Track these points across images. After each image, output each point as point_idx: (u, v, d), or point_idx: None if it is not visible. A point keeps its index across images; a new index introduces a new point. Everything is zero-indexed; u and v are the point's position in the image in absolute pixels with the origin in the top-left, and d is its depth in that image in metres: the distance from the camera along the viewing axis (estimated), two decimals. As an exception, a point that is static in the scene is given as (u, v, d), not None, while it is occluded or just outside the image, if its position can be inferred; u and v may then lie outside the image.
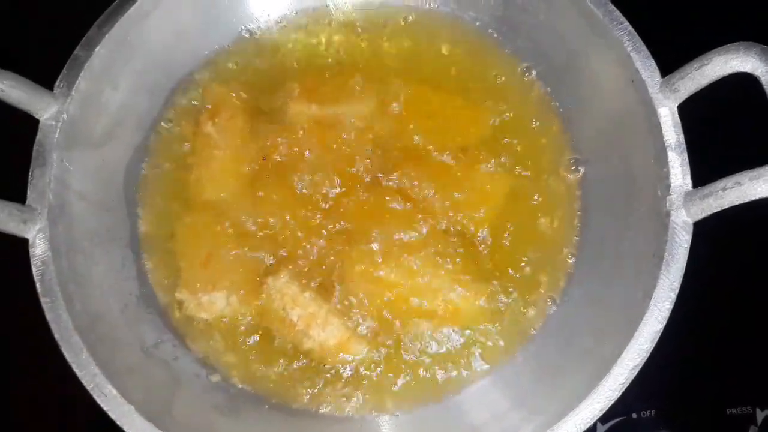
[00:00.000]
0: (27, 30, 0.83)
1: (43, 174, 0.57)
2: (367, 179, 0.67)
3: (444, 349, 0.64)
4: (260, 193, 0.66)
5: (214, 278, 0.63)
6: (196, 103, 0.71)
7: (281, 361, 0.64)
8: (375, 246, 0.64)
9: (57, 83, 0.59)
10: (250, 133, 0.68)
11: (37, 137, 0.58)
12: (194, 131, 0.69)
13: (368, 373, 0.64)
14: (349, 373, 0.64)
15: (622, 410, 0.70)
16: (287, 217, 0.65)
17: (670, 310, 0.54)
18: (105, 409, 0.52)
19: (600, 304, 0.61)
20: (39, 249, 0.55)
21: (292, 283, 0.63)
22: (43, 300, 0.54)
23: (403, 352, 0.64)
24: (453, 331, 0.65)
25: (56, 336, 0.53)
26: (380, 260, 0.64)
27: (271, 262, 0.65)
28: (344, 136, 0.68)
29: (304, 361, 0.64)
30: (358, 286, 0.63)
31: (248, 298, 0.64)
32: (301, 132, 0.68)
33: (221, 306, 0.63)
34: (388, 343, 0.64)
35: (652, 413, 0.70)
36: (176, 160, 0.69)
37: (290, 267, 0.64)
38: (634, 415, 0.70)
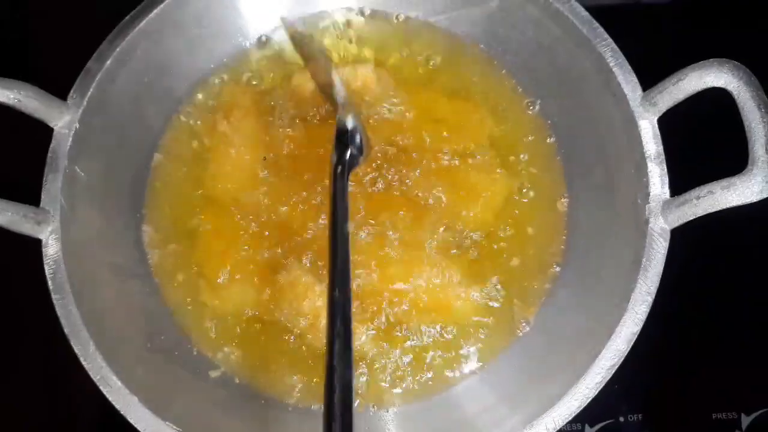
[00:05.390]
0: (42, 44, 0.86)
1: (56, 179, 0.60)
2: (373, 175, 0.69)
3: (438, 347, 0.66)
4: (272, 188, 0.69)
5: (233, 272, 0.66)
6: (207, 104, 0.74)
7: (284, 356, 0.66)
8: (376, 241, 0.67)
9: (70, 94, 0.62)
10: (262, 131, 0.71)
11: (51, 145, 0.61)
12: (210, 130, 0.72)
13: (366, 368, 0.66)
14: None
15: (609, 413, 0.72)
16: (299, 212, 0.68)
17: (646, 313, 0.56)
18: (110, 399, 0.55)
19: (582, 308, 0.64)
20: (51, 249, 0.58)
21: (304, 276, 0.65)
22: (54, 297, 0.57)
23: (398, 348, 0.66)
24: (446, 329, 0.67)
25: (66, 330, 0.56)
26: (381, 255, 0.66)
27: (284, 255, 0.67)
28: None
29: (307, 355, 0.66)
30: (363, 281, 0.66)
31: (262, 291, 0.66)
32: (310, 128, 0.71)
33: (239, 298, 0.66)
34: (386, 337, 0.66)
35: (639, 417, 0.72)
36: (184, 164, 0.72)
37: (302, 260, 0.66)
38: (621, 419, 0.71)
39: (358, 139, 0.64)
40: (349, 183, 0.65)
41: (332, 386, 0.46)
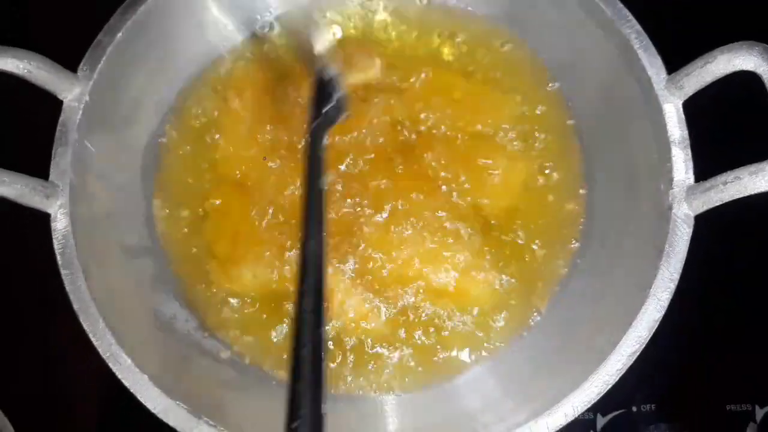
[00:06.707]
0: (53, 15, 0.85)
1: (65, 153, 0.59)
2: (389, 157, 0.68)
3: (447, 334, 0.66)
4: (282, 167, 0.68)
5: (243, 252, 0.65)
6: (220, 80, 0.73)
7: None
8: (392, 222, 0.65)
9: (80, 66, 0.61)
10: (274, 112, 0.70)
11: (61, 118, 0.59)
12: (222, 107, 0.71)
13: (375, 352, 0.65)
14: (356, 351, 0.65)
15: (622, 403, 0.71)
16: None
17: (669, 300, 0.54)
18: (119, 377, 0.54)
19: (601, 296, 0.62)
20: (60, 223, 0.57)
21: None
22: (63, 272, 0.56)
23: (407, 334, 0.65)
24: (456, 316, 0.66)
25: (75, 306, 0.55)
26: (396, 237, 0.65)
27: (296, 234, 0.64)
28: (367, 114, 0.69)
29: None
30: (376, 262, 0.65)
31: (273, 272, 0.65)
32: None
33: (250, 278, 0.65)
34: (394, 321, 0.65)
35: (652, 407, 0.71)
36: (195, 143, 0.71)
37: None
38: (634, 408, 0.71)
39: (338, 93, 0.60)
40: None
41: (301, 342, 0.42)
